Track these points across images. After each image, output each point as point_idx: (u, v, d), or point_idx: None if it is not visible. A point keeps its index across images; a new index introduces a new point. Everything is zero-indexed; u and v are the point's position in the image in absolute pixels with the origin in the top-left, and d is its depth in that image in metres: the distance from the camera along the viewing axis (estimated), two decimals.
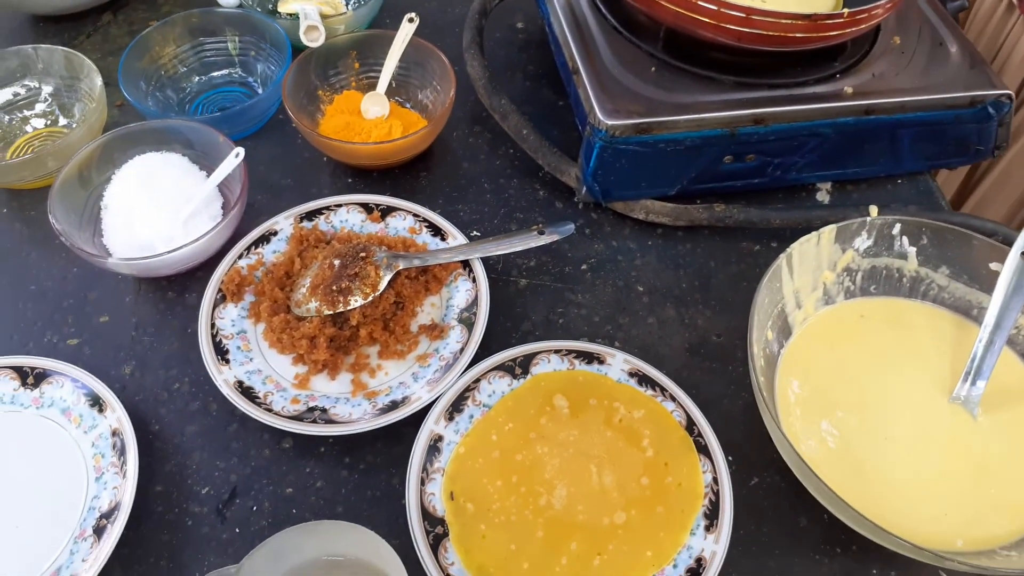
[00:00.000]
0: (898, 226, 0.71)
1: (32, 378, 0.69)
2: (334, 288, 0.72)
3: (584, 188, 0.80)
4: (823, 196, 0.86)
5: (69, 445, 0.67)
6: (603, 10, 0.82)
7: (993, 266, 0.70)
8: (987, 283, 0.70)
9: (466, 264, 0.77)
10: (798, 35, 0.70)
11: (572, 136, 0.88)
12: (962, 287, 0.72)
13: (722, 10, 0.68)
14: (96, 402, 0.67)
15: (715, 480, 0.64)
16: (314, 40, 0.84)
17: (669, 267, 0.81)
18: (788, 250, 0.68)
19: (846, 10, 0.69)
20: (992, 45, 1.04)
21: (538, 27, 1.02)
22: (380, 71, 0.89)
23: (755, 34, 0.70)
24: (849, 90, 0.77)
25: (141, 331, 0.75)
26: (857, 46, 0.82)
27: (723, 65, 0.77)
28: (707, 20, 0.70)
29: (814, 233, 0.69)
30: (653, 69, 0.78)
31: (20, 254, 0.81)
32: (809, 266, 0.71)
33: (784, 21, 0.69)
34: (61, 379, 0.69)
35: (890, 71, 0.80)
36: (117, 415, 0.66)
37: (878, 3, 0.70)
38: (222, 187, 0.82)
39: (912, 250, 0.72)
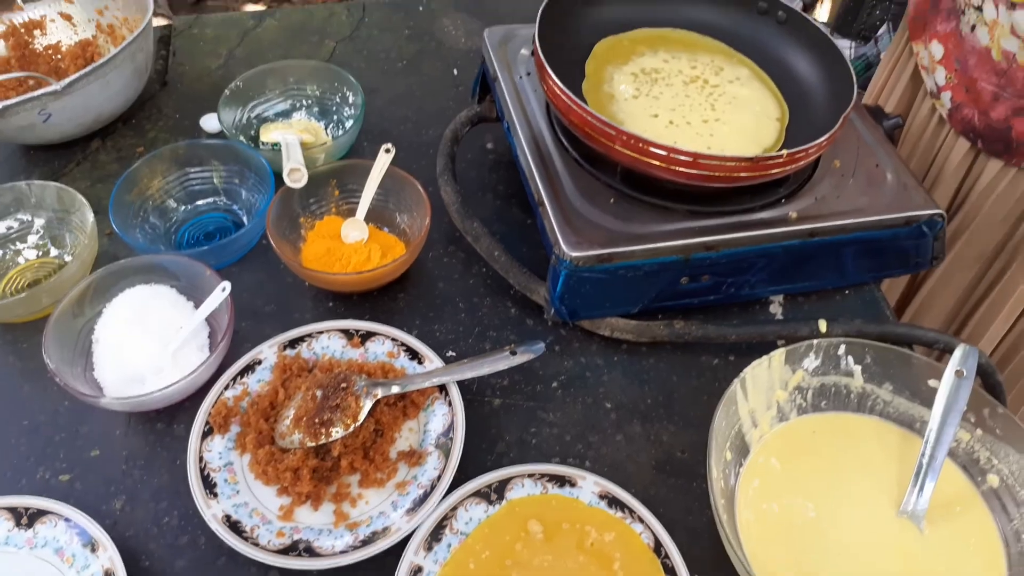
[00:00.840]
0: (843, 347, 0.77)
1: (26, 518, 0.72)
2: (316, 420, 0.76)
3: (552, 309, 0.85)
4: (776, 309, 0.92)
5: None
6: (565, 144, 0.88)
7: (931, 383, 0.75)
8: (927, 398, 0.75)
9: (442, 387, 0.81)
10: (743, 175, 0.76)
11: (541, 254, 0.93)
12: (905, 402, 0.77)
13: (671, 155, 0.74)
14: (89, 542, 0.70)
15: None
16: (297, 181, 0.89)
17: (635, 382, 0.86)
18: (742, 374, 0.73)
19: (785, 151, 0.75)
20: (926, 158, 1.11)
21: (507, 147, 1.08)
22: (359, 197, 0.94)
23: (703, 175, 0.76)
24: (794, 215, 0.83)
25: (131, 464, 0.78)
26: (800, 172, 0.88)
27: (676, 195, 0.83)
28: (658, 164, 0.76)
29: (765, 357, 0.75)
30: (612, 200, 0.84)
31: (13, 388, 0.85)
32: (762, 387, 0.76)
33: (729, 163, 0.75)
34: (55, 519, 0.72)
35: (831, 194, 0.86)
36: (109, 554, 0.69)
37: (813, 143, 0.77)
38: (209, 317, 0.86)
39: (857, 368, 0.77)
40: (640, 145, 0.75)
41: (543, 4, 0.87)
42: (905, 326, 0.87)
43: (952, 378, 0.73)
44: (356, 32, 1.28)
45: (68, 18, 1.16)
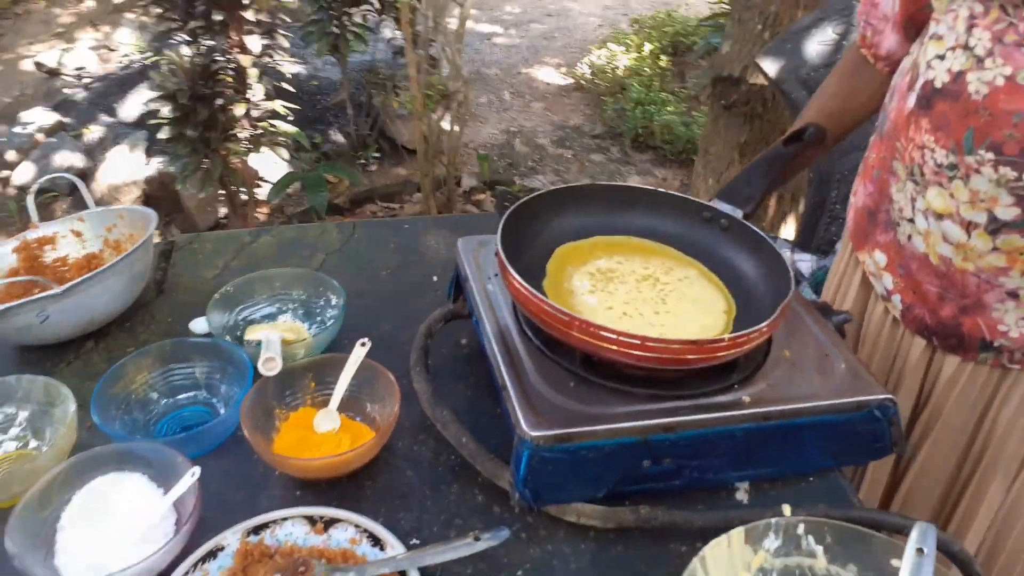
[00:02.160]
0: (802, 526, 0.77)
1: None
2: None
3: (517, 493, 0.86)
4: (742, 495, 0.93)
5: None
6: (529, 334, 0.94)
7: (894, 562, 0.75)
8: None
9: (403, 574, 0.80)
10: (689, 356, 0.81)
11: (509, 443, 0.95)
12: None
13: (620, 338, 0.80)
14: None
15: None
16: (271, 370, 0.94)
17: (603, 570, 0.85)
18: (701, 552, 0.73)
19: (727, 335, 0.81)
20: (886, 359, 1.16)
21: (479, 343, 1.14)
22: (333, 389, 0.98)
23: (653, 356, 0.81)
24: (747, 399, 0.87)
25: None
26: (751, 360, 0.93)
27: (634, 380, 0.88)
28: (611, 347, 0.81)
29: (724, 536, 0.75)
30: (572, 384, 0.88)
31: None
32: (723, 568, 0.75)
33: (674, 346, 0.80)
34: None
35: (783, 381, 0.91)
36: None
37: (755, 328, 0.82)
38: (177, 504, 0.87)
39: (819, 548, 0.77)
40: (592, 330, 0.81)
41: (507, 213, 0.97)
42: (870, 511, 0.88)
43: (913, 556, 0.73)
44: (345, 246, 1.39)
45: (78, 234, 1.27)
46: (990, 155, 0.87)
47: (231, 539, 0.84)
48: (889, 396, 0.90)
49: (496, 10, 7.08)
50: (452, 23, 3.54)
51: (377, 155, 4.50)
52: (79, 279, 1.04)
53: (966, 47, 0.89)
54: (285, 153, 3.46)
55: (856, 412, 0.89)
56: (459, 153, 3.98)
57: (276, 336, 1.02)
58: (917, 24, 1.06)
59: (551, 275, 0.98)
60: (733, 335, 0.81)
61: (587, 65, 5.65)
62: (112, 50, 5.87)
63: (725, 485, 0.93)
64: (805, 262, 1.89)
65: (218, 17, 3.09)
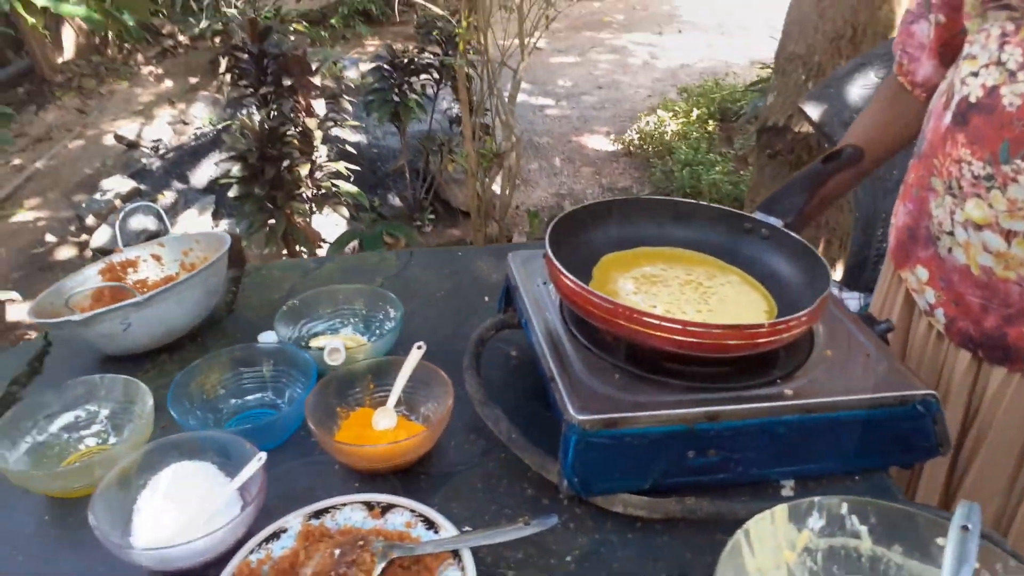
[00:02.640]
0: (845, 506, 0.79)
1: None
2: (332, 574, 0.78)
3: (565, 482, 0.89)
4: (787, 492, 0.94)
5: None
6: (575, 333, 0.98)
7: (939, 541, 0.75)
8: (939, 558, 0.75)
9: (456, 555, 0.84)
10: (730, 342, 0.84)
11: (556, 445, 0.99)
12: (917, 564, 0.77)
13: (663, 323, 0.84)
14: None
15: None
16: (335, 360, 1.00)
17: (648, 559, 0.87)
18: (744, 526, 0.75)
19: (766, 322, 0.84)
20: (931, 374, 1.15)
21: (528, 354, 1.19)
22: (391, 389, 1.04)
23: (694, 342, 0.84)
24: (789, 392, 0.90)
25: None
26: (793, 357, 0.95)
27: (677, 373, 0.91)
28: (654, 333, 0.85)
29: (768, 511, 0.77)
30: (617, 376, 0.91)
31: (54, 562, 0.89)
32: (768, 544, 0.77)
33: (715, 331, 0.83)
34: None
35: (825, 377, 0.93)
36: None
37: (794, 316, 0.85)
38: (244, 493, 0.92)
39: (863, 529, 0.78)
40: (636, 316, 0.85)
41: (553, 221, 1.03)
42: (916, 504, 0.88)
43: (958, 534, 0.74)
44: (403, 271, 1.46)
45: (157, 258, 1.37)
46: None
47: (293, 522, 0.89)
48: (932, 392, 0.91)
49: (548, 84, 7.31)
50: (506, 91, 3.69)
51: (432, 216, 4.65)
52: (159, 290, 1.13)
53: (999, 63, 0.93)
54: (345, 212, 3.61)
55: (899, 407, 0.91)
56: (510, 213, 4.09)
57: (339, 341, 1.09)
58: (952, 50, 1.11)
59: (596, 279, 1.03)
60: (773, 321, 0.84)
61: (635, 131, 5.78)
62: (186, 124, 6.25)
63: (770, 481, 0.95)
64: (852, 299, 1.90)
65: (287, 82, 3.29)
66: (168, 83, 7.11)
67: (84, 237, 4.83)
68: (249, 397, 1.10)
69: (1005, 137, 0.92)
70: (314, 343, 1.15)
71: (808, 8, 2.24)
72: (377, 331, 1.22)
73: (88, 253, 4.68)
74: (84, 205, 4.93)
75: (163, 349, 1.24)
